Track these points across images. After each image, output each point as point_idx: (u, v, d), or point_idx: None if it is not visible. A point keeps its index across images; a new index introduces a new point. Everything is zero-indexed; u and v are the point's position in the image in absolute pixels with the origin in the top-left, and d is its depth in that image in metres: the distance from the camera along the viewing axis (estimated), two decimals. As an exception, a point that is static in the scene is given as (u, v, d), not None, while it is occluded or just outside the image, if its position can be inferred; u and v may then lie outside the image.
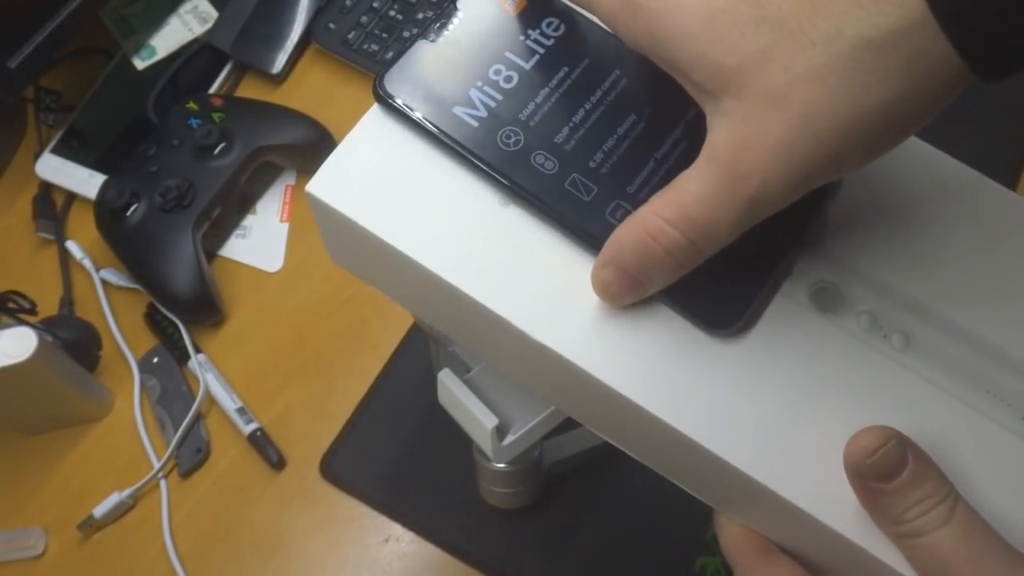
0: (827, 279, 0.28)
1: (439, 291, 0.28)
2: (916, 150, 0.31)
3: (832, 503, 0.25)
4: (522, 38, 0.29)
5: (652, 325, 0.27)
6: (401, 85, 0.29)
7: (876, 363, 0.27)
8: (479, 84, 0.29)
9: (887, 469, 0.24)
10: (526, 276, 0.28)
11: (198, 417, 0.55)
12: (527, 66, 0.29)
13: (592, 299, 0.27)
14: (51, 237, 0.63)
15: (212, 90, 0.66)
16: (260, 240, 0.61)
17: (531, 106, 0.29)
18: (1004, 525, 0.24)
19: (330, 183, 0.30)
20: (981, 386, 0.27)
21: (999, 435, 0.27)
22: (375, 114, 0.30)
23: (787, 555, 0.28)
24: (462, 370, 0.43)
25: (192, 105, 0.60)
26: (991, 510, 0.25)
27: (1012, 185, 0.54)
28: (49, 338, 0.53)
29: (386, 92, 0.29)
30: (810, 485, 0.26)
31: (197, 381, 0.56)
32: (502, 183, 0.28)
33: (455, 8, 0.30)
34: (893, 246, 0.29)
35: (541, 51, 0.29)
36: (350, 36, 0.64)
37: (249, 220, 0.62)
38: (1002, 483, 0.26)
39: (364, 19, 0.65)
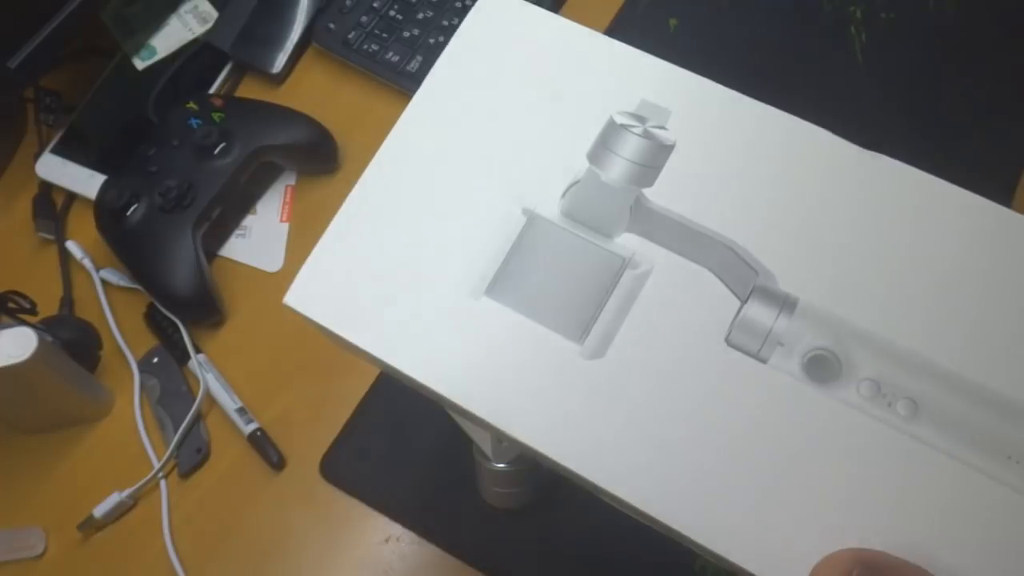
0: (821, 346, 0.26)
1: (412, 381, 0.29)
2: (909, 177, 0.29)
3: None
4: None
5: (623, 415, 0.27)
6: None
7: (881, 435, 0.25)
8: None
9: None
10: (493, 366, 0.28)
11: (198, 417, 0.55)
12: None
13: (562, 387, 0.27)
14: (51, 237, 0.63)
15: (212, 90, 0.66)
16: (260, 240, 0.61)
17: None
18: None
19: (303, 293, 0.31)
20: (1001, 452, 0.25)
21: None
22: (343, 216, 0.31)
23: None
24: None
25: (192, 105, 0.60)
26: None
27: (1013, 186, 0.54)
28: (49, 338, 0.53)
29: None
30: (796, 570, 0.24)
31: (197, 381, 0.56)
32: None
33: None
34: (890, 304, 0.27)
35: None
36: (350, 36, 0.64)
37: (249, 220, 0.62)
38: None
39: (364, 19, 0.65)
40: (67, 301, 0.60)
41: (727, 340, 0.27)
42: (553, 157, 0.30)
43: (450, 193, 0.30)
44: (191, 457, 0.54)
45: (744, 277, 0.27)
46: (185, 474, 0.54)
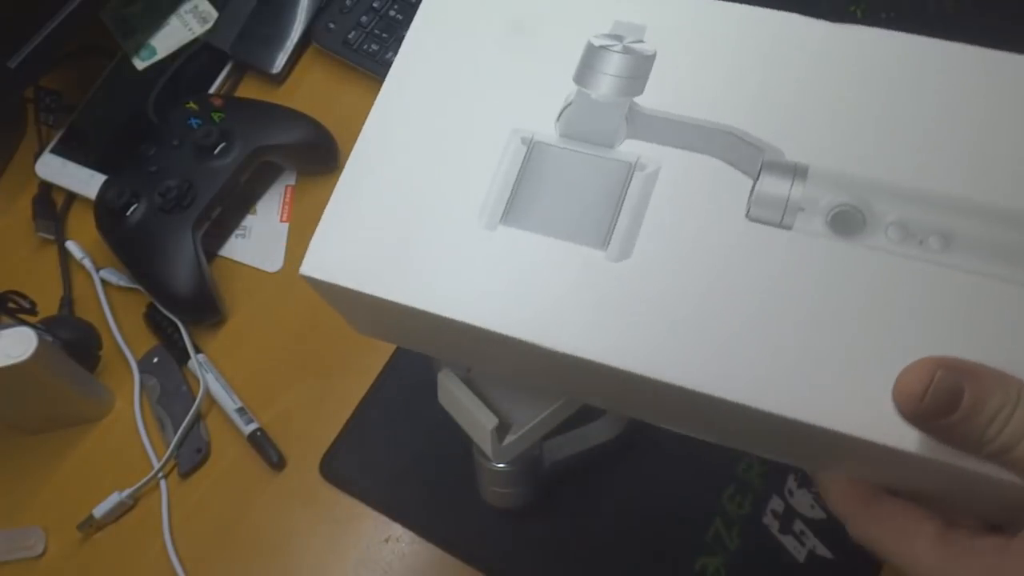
0: (841, 201, 0.27)
1: (442, 327, 0.29)
2: (883, 39, 0.30)
3: (908, 430, 0.24)
4: None
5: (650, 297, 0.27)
6: None
7: (918, 272, 0.26)
8: None
9: (944, 404, 0.23)
10: (524, 289, 0.28)
11: (198, 417, 0.55)
12: None
13: (596, 294, 0.27)
14: (51, 237, 0.63)
15: (212, 90, 0.66)
16: (260, 240, 0.61)
17: None
18: None
19: (319, 260, 0.30)
20: None
21: None
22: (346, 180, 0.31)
23: (896, 496, 0.27)
24: (462, 370, 0.43)
25: (192, 105, 0.60)
26: None
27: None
28: (49, 338, 0.53)
29: None
30: (880, 417, 0.24)
31: (197, 381, 0.56)
32: None
33: None
34: (898, 147, 0.27)
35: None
36: (350, 36, 0.64)
37: (249, 220, 0.62)
38: None
39: (364, 19, 0.65)
40: (67, 301, 0.60)
41: (748, 216, 0.27)
42: (540, 88, 0.30)
43: (448, 137, 0.30)
44: (191, 457, 0.54)
45: (750, 156, 0.28)
46: (185, 474, 0.54)
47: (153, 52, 0.67)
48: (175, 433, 0.55)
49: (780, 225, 0.27)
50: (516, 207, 0.29)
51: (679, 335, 0.26)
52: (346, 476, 0.53)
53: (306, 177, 0.63)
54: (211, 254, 0.61)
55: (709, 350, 0.26)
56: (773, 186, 0.27)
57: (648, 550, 0.49)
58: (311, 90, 0.66)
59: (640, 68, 0.30)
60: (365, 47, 0.64)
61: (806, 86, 0.29)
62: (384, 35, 0.64)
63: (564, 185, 0.29)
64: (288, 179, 0.63)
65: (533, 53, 0.31)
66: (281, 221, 0.62)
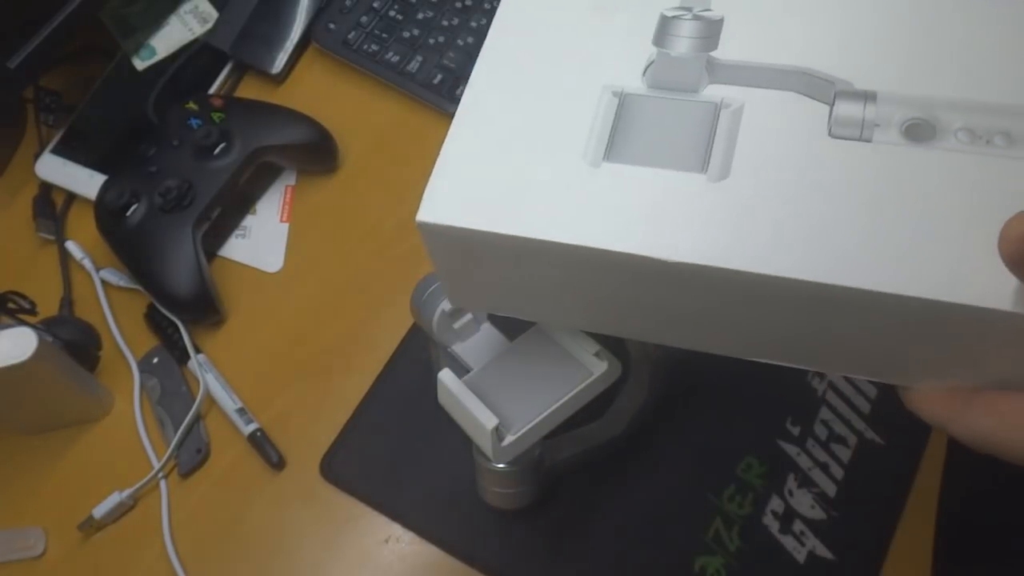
0: (912, 116, 0.29)
1: (553, 263, 0.31)
2: None
3: (1012, 293, 0.26)
4: None
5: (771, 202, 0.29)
6: None
7: (991, 167, 0.28)
8: None
9: None
10: (634, 213, 0.29)
11: (198, 417, 0.55)
12: None
13: (701, 210, 0.29)
14: (51, 237, 0.63)
15: (212, 90, 0.66)
16: (260, 240, 0.61)
17: None
18: None
19: (435, 206, 0.31)
20: None
21: None
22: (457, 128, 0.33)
23: (989, 391, 0.29)
24: (462, 370, 0.43)
25: (192, 105, 0.60)
26: None
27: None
28: (49, 338, 0.53)
29: None
30: (981, 285, 0.26)
31: (197, 381, 0.56)
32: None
33: None
34: (954, 64, 0.30)
35: None
36: (350, 36, 0.64)
37: (249, 220, 0.62)
38: None
39: (364, 19, 0.65)
40: (67, 301, 0.60)
41: (831, 135, 0.30)
42: (623, 56, 0.33)
43: (544, 96, 0.33)
44: (191, 457, 0.54)
45: (824, 89, 0.31)
46: (185, 474, 0.54)
47: (153, 52, 0.67)
48: (175, 433, 0.55)
49: (860, 139, 0.29)
50: (616, 146, 0.31)
51: (785, 236, 0.28)
52: (346, 476, 0.53)
53: (306, 177, 0.63)
54: (211, 254, 0.61)
55: (817, 246, 0.28)
56: (848, 109, 0.30)
57: (648, 550, 0.49)
58: (311, 90, 0.66)
59: (711, 29, 0.33)
60: (365, 47, 0.64)
61: (859, 29, 0.32)
62: (384, 35, 0.64)
63: (658, 126, 0.31)
64: (288, 179, 0.63)
65: (612, 28, 0.34)
66: (281, 221, 0.62)
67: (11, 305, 0.56)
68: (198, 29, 0.67)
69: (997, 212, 0.26)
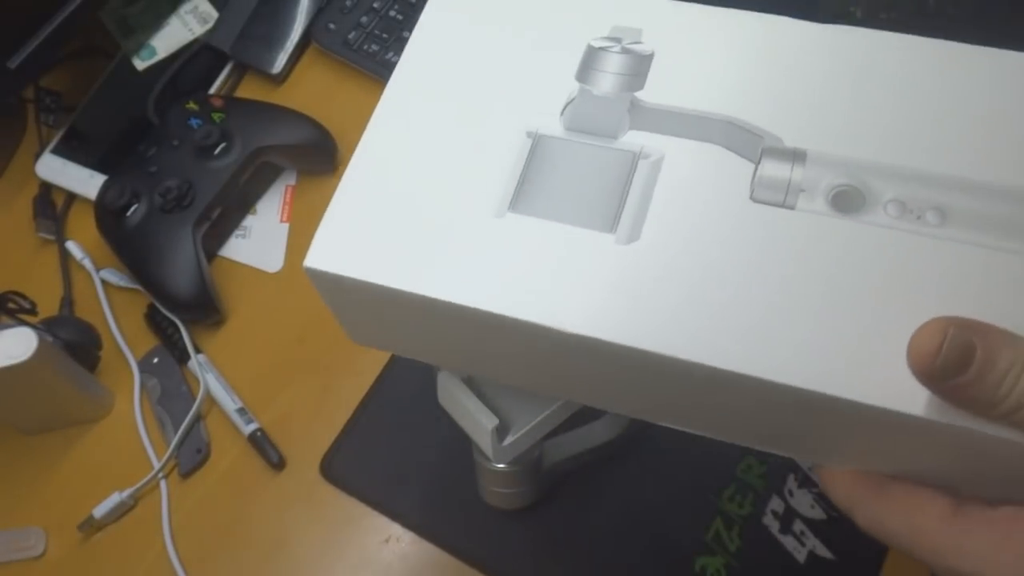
0: (841, 182, 0.28)
1: (448, 320, 0.29)
2: (875, 38, 0.31)
3: (919, 395, 0.24)
4: None
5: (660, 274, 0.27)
6: None
7: (918, 246, 0.27)
8: None
9: (957, 361, 0.23)
10: (533, 273, 0.28)
11: (198, 417, 0.55)
12: None
13: (605, 276, 0.27)
14: (51, 237, 0.63)
15: (212, 90, 0.66)
16: (260, 240, 0.61)
17: None
18: None
19: (325, 252, 0.30)
20: None
21: None
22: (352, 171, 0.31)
23: (905, 483, 0.28)
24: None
25: (192, 105, 0.60)
26: None
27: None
28: (49, 338, 0.53)
29: None
30: (890, 384, 0.25)
31: (197, 381, 0.56)
32: None
33: None
34: (892, 128, 0.28)
35: None
36: (350, 36, 0.64)
37: (249, 220, 0.62)
38: None
39: (364, 19, 0.65)
40: (67, 301, 0.60)
41: (752, 198, 0.28)
42: (543, 88, 0.31)
43: (453, 132, 0.31)
44: (191, 457, 0.54)
45: (751, 143, 0.29)
46: (185, 474, 0.54)
47: (153, 52, 0.67)
48: (175, 433, 0.55)
49: (783, 205, 0.28)
50: (524, 195, 0.29)
51: (690, 312, 0.26)
52: (346, 476, 0.53)
53: (306, 177, 0.63)
54: (211, 254, 0.61)
55: (720, 326, 0.26)
56: (774, 169, 0.28)
57: (648, 550, 0.49)
58: (311, 90, 0.66)
59: (639, 66, 0.31)
60: (365, 47, 0.64)
61: (798, 83, 0.30)
62: (384, 35, 0.64)
63: (570, 174, 0.29)
64: (288, 179, 0.63)
65: (534, 56, 0.32)
66: (281, 221, 0.62)
67: (11, 305, 0.56)
68: (198, 29, 0.67)
69: (917, 301, 0.25)
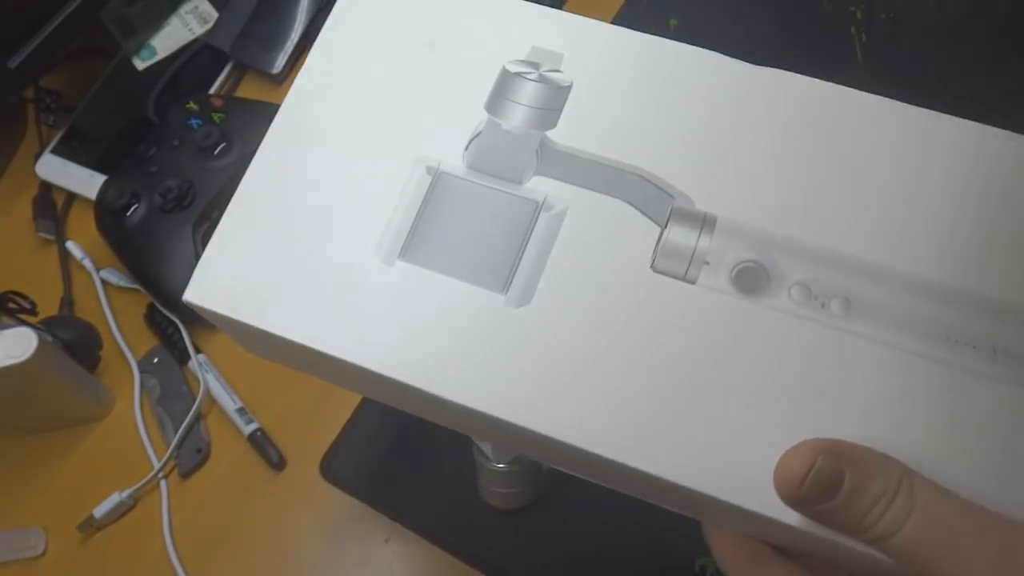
0: (747, 257, 0.26)
1: (329, 363, 0.28)
2: (802, 85, 0.29)
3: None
4: None
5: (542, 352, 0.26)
6: None
7: (819, 337, 0.25)
8: None
9: (824, 491, 0.23)
10: (417, 331, 0.27)
11: (198, 417, 0.55)
12: None
13: (490, 342, 0.26)
14: (51, 237, 0.63)
15: (212, 90, 0.66)
16: (260, 240, 0.61)
17: None
18: (996, 490, 0.23)
19: (203, 286, 0.29)
20: (939, 333, 0.25)
21: (972, 384, 0.24)
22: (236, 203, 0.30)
23: (784, 555, 0.27)
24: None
25: (192, 105, 0.60)
26: (976, 467, 0.23)
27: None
28: (49, 338, 0.53)
29: None
30: (761, 485, 0.24)
31: (197, 381, 0.56)
32: None
33: None
34: (805, 208, 0.27)
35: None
36: (350, 36, 0.64)
37: (249, 220, 0.62)
38: (987, 435, 0.24)
39: (364, 19, 0.65)
40: (67, 301, 0.60)
41: (653, 267, 0.26)
42: (450, 113, 0.29)
43: (350, 162, 0.29)
44: (191, 457, 0.54)
45: (660, 203, 0.27)
46: (185, 474, 0.54)
47: (153, 52, 0.67)
48: (175, 433, 0.55)
49: (684, 279, 0.26)
50: (417, 241, 0.27)
51: (566, 390, 0.26)
52: (346, 476, 0.53)
53: (306, 177, 0.63)
54: (211, 254, 0.61)
55: (593, 407, 0.25)
56: (681, 236, 0.27)
57: (648, 550, 0.49)
58: (311, 90, 0.66)
59: (555, 99, 0.29)
60: (365, 47, 0.64)
61: (725, 131, 0.28)
62: (384, 35, 0.64)
63: (468, 221, 0.28)
64: (288, 179, 0.63)
65: (445, 76, 0.30)
66: (281, 221, 0.62)
67: (11, 305, 0.56)
68: (198, 29, 0.67)
69: (807, 401, 0.24)
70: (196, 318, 0.58)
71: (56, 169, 0.64)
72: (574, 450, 0.25)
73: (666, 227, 0.27)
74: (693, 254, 0.26)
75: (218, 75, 0.66)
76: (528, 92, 0.29)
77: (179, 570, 0.51)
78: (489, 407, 0.26)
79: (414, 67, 0.30)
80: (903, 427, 0.24)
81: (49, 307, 0.59)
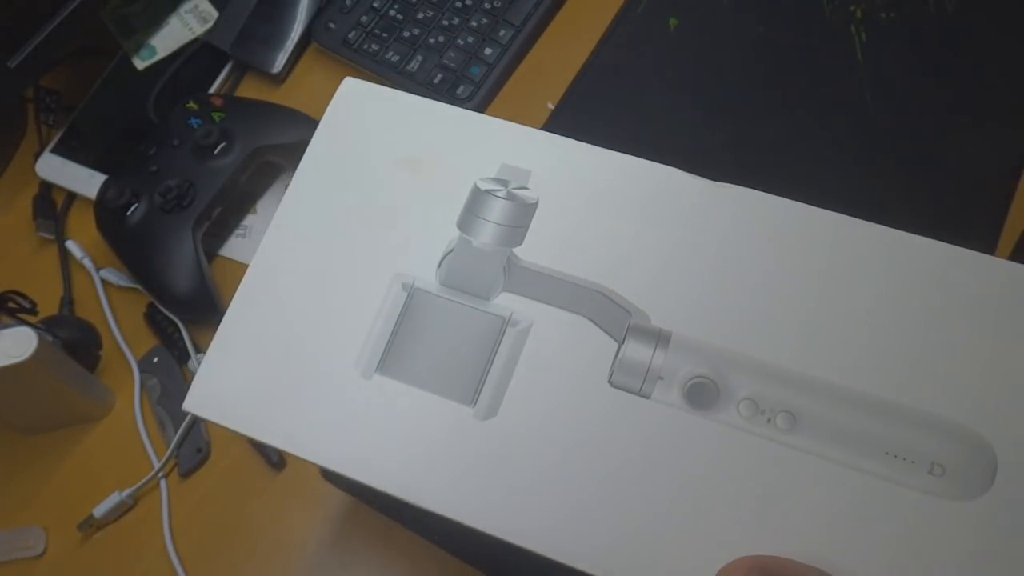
0: (699, 372, 0.28)
1: None
2: (757, 201, 0.30)
3: None
4: None
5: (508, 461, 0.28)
6: None
7: (764, 451, 0.27)
8: None
9: None
10: (393, 441, 0.29)
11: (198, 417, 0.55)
12: None
13: (460, 452, 0.28)
14: (51, 237, 0.63)
15: (212, 90, 0.66)
16: (260, 240, 0.61)
17: None
18: None
19: (201, 397, 0.31)
20: (878, 449, 0.26)
21: (908, 497, 0.26)
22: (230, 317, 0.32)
23: None
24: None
25: (192, 105, 0.60)
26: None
27: (1012, 187, 0.54)
28: (49, 338, 0.53)
29: None
30: None
31: (197, 381, 0.56)
32: None
33: None
34: (757, 323, 0.28)
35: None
36: (350, 36, 0.64)
37: (249, 220, 0.62)
38: (926, 548, 0.25)
39: (364, 19, 0.65)
40: (67, 301, 0.60)
41: (610, 382, 0.28)
42: (427, 229, 0.31)
43: (333, 278, 0.31)
44: (191, 457, 0.54)
45: (618, 319, 0.29)
46: (185, 474, 0.54)
47: (153, 52, 0.67)
48: (175, 433, 0.55)
49: (639, 394, 0.28)
50: (393, 356, 0.30)
51: (529, 499, 0.28)
52: (346, 476, 0.53)
53: (306, 177, 0.63)
54: (211, 254, 0.61)
55: (553, 516, 0.27)
56: (636, 352, 0.28)
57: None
58: (311, 90, 0.66)
59: (522, 217, 0.31)
60: (365, 47, 0.64)
61: (682, 245, 0.30)
62: (384, 35, 0.64)
63: (440, 336, 0.30)
64: (288, 179, 0.63)
65: (421, 192, 0.32)
66: (281, 221, 0.62)
67: (11, 305, 0.56)
68: (198, 29, 0.67)
69: (751, 514, 0.25)
70: (196, 317, 0.58)
71: (56, 169, 0.64)
72: (533, 553, 0.28)
73: (623, 343, 0.28)
74: (648, 370, 0.28)
75: (218, 75, 0.66)
76: (496, 209, 0.31)
77: (179, 570, 0.51)
78: (457, 514, 0.28)
79: (391, 184, 0.32)
80: (843, 542, 0.25)
81: (49, 307, 0.59)
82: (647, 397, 0.28)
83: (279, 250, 0.32)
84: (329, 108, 0.34)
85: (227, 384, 0.31)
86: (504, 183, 0.31)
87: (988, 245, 0.52)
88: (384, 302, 0.30)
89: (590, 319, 0.29)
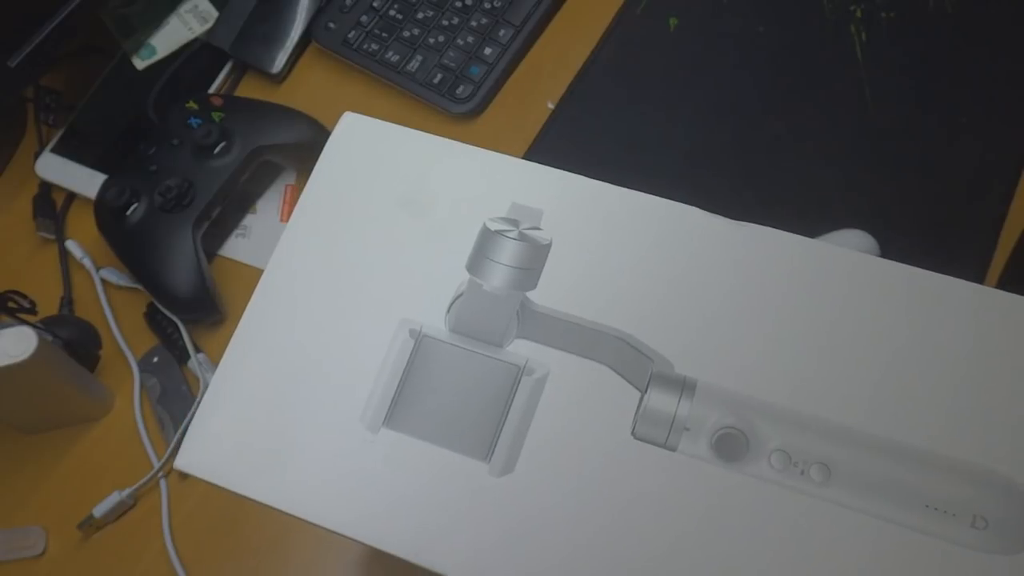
0: (727, 423, 0.26)
1: None
2: (780, 241, 0.28)
3: None
4: None
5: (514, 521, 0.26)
6: None
7: (798, 505, 0.25)
8: None
9: None
10: (402, 500, 0.27)
11: (198, 417, 0.55)
12: None
13: (475, 512, 0.26)
14: (51, 237, 0.63)
15: (212, 90, 0.66)
16: (260, 240, 0.61)
17: None
18: None
19: (194, 455, 0.29)
20: (918, 502, 0.25)
21: (950, 552, 0.24)
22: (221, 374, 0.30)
23: None
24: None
25: (192, 105, 0.60)
26: None
27: (1012, 186, 0.54)
28: (49, 338, 0.53)
29: None
30: None
31: (197, 380, 0.56)
32: None
33: None
34: (786, 371, 0.27)
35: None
36: (350, 35, 0.64)
37: (249, 220, 0.62)
38: None
39: (364, 19, 0.65)
40: (67, 300, 0.60)
41: (633, 434, 0.27)
42: (434, 272, 0.29)
43: (336, 326, 0.29)
44: (191, 457, 0.54)
45: (640, 367, 0.27)
46: (185, 474, 0.54)
47: (153, 52, 0.67)
48: (175, 432, 0.55)
49: (665, 446, 0.26)
50: (400, 408, 0.28)
51: (551, 561, 0.26)
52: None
53: (306, 176, 0.63)
54: (211, 254, 0.61)
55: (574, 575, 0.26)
56: (660, 402, 0.27)
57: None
58: (311, 90, 0.66)
59: (535, 259, 0.29)
60: (365, 47, 0.64)
61: (703, 286, 0.28)
62: (384, 34, 0.64)
63: (451, 386, 0.28)
64: (288, 179, 0.63)
65: (426, 233, 0.30)
66: (281, 221, 0.62)
67: (11, 304, 0.56)
68: (198, 28, 0.67)
69: (786, 571, 0.24)
70: (196, 317, 0.58)
71: (56, 168, 0.64)
72: None
73: (646, 392, 0.27)
74: (673, 421, 0.26)
75: (218, 74, 0.66)
76: (508, 251, 0.28)
77: (179, 569, 0.51)
78: None
79: (396, 224, 0.30)
80: None
81: (49, 306, 0.59)
82: (673, 449, 0.26)
83: (277, 295, 0.30)
84: (328, 144, 0.32)
85: (221, 440, 0.29)
86: (515, 223, 0.29)
87: (988, 245, 0.52)
88: (390, 350, 0.28)
89: (610, 367, 0.27)
